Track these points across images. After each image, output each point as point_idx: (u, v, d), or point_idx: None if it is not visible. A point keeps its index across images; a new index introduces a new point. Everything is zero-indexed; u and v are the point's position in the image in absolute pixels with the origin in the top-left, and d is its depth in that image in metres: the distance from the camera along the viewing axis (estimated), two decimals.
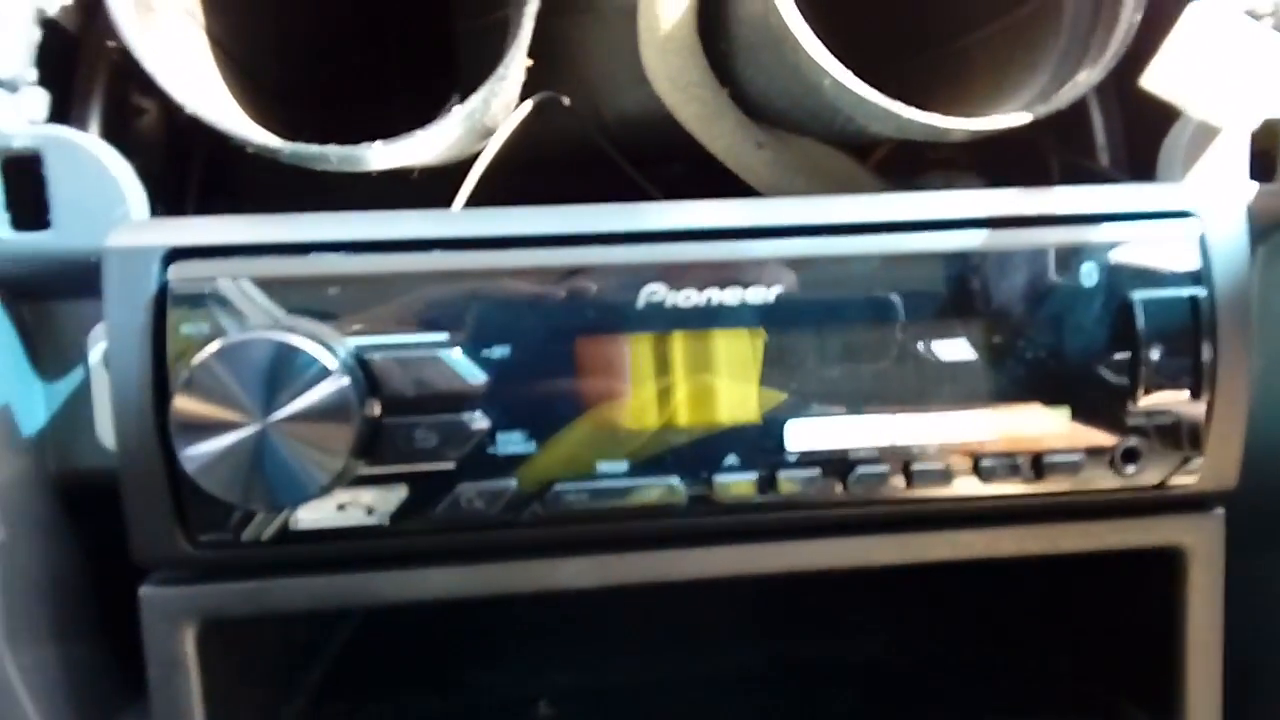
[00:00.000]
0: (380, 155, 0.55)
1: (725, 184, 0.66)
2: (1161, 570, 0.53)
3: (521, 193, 0.53)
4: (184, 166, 0.70)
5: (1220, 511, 0.52)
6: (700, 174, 0.68)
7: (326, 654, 0.66)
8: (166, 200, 0.61)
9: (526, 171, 0.64)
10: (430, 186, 0.60)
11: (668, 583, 0.51)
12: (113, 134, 0.56)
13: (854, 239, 0.48)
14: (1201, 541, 0.52)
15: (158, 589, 0.48)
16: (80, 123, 0.55)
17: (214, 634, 0.49)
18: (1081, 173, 0.66)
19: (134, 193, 0.51)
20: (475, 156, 0.62)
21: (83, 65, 0.57)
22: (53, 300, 0.54)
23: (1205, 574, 0.52)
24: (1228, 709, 0.54)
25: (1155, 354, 0.48)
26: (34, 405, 0.54)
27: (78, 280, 0.51)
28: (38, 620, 0.52)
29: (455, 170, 0.62)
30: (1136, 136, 0.68)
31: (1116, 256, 0.49)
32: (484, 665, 0.67)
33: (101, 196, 0.50)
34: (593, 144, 0.73)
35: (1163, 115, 0.55)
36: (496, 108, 0.60)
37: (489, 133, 0.62)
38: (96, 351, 0.54)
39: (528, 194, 0.51)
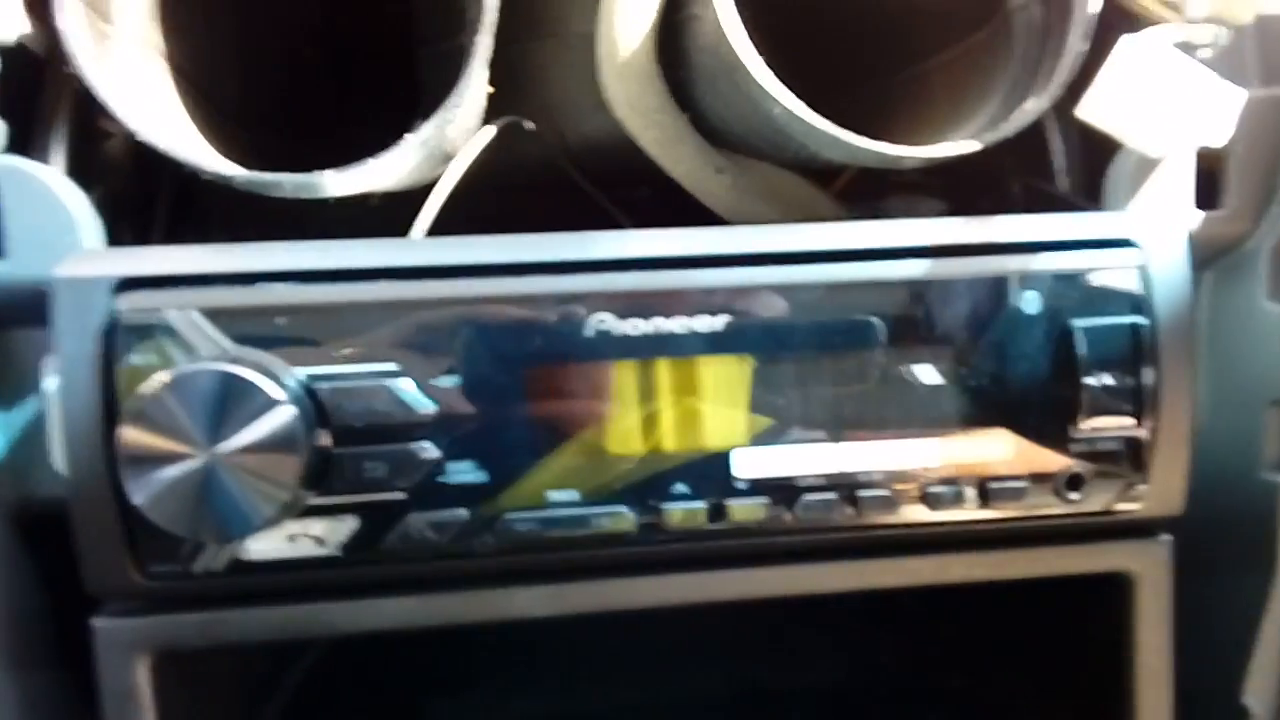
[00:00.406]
0: (336, 183, 0.55)
1: (690, 208, 0.66)
2: (1110, 596, 0.53)
3: (486, 218, 0.53)
4: (151, 195, 0.70)
5: (1167, 537, 0.53)
6: (666, 198, 0.68)
7: (287, 686, 0.66)
8: (133, 229, 0.62)
9: (491, 196, 0.65)
10: (394, 213, 0.60)
11: (622, 611, 0.51)
12: (76, 162, 0.56)
13: (799, 268, 0.49)
14: (1148, 567, 0.52)
15: (110, 620, 0.48)
16: (42, 151, 0.55)
17: (169, 666, 0.49)
18: (1041, 196, 0.67)
19: (87, 222, 0.51)
20: (438, 181, 0.62)
21: (47, 93, 0.57)
22: (6, 329, 0.54)
23: (1153, 600, 0.52)
24: None
25: (1097, 381, 0.48)
26: None
27: (32, 309, 0.51)
28: None
29: (419, 196, 0.62)
30: (1094, 160, 0.69)
31: (1059, 284, 0.49)
32: (447, 695, 0.67)
33: (55, 226, 0.50)
34: (558, 168, 0.74)
35: (1114, 142, 0.56)
36: (453, 133, 0.60)
37: (449, 158, 0.63)
38: (52, 379, 0.54)
39: (493, 219, 0.52)
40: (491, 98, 0.62)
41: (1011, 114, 0.56)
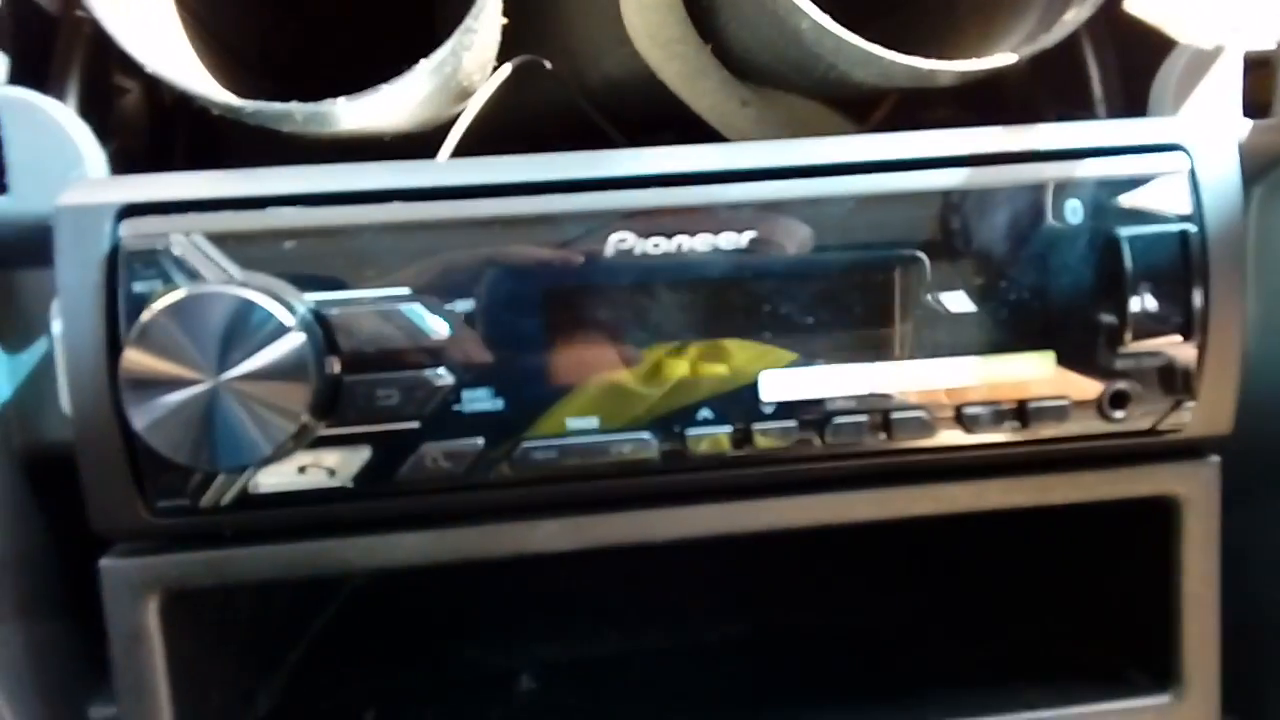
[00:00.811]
0: (348, 112, 0.53)
1: None
2: (1156, 522, 0.51)
3: None
4: (168, 148, 0.69)
5: (1215, 459, 0.50)
6: (689, 139, 0.67)
7: (305, 630, 0.65)
8: None
9: (509, 139, 0.63)
10: (409, 153, 0.59)
11: (646, 546, 0.49)
12: (91, 111, 0.55)
13: (828, 181, 0.46)
14: (1196, 490, 0.50)
15: (118, 560, 0.47)
16: (55, 93, 0.54)
17: (180, 607, 0.48)
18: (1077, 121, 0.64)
19: (92, 153, 0.50)
20: (454, 122, 0.61)
21: (60, 43, 0.56)
22: (13, 269, 0.52)
23: (1200, 524, 0.50)
24: (1227, 668, 0.52)
25: (1144, 293, 0.46)
26: None
27: (38, 247, 0.49)
28: (4, 597, 0.51)
29: (434, 138, 0.60)
30: (1133, 85, 0.67)
31: (1102, 192, 0.47)
32: (465, 639, 0.65)
33: (59, 158, 0.49)
34: (577, 110, 0.72)
35: (1157, 58, 0.54)
36: (469, 63, 0.58)
37: (465, 94, 0.61)
38: (59, 321, 0.53)
39: None
40: (508, 39, 0.61)
41: (1051, 27, 0.54)
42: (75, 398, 0.45)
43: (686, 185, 0.46)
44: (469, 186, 0.46)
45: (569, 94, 0.71)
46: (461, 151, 0.59)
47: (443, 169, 0.47)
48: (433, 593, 0.70)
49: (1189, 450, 0.50)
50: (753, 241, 0.46)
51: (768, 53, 0.61)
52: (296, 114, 0.52)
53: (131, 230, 0.44)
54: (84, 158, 0.50)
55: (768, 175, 0.46)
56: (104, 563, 0.47)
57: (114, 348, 0.44)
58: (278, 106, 0.52)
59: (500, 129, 0.62)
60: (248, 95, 0.56)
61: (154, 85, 0.67)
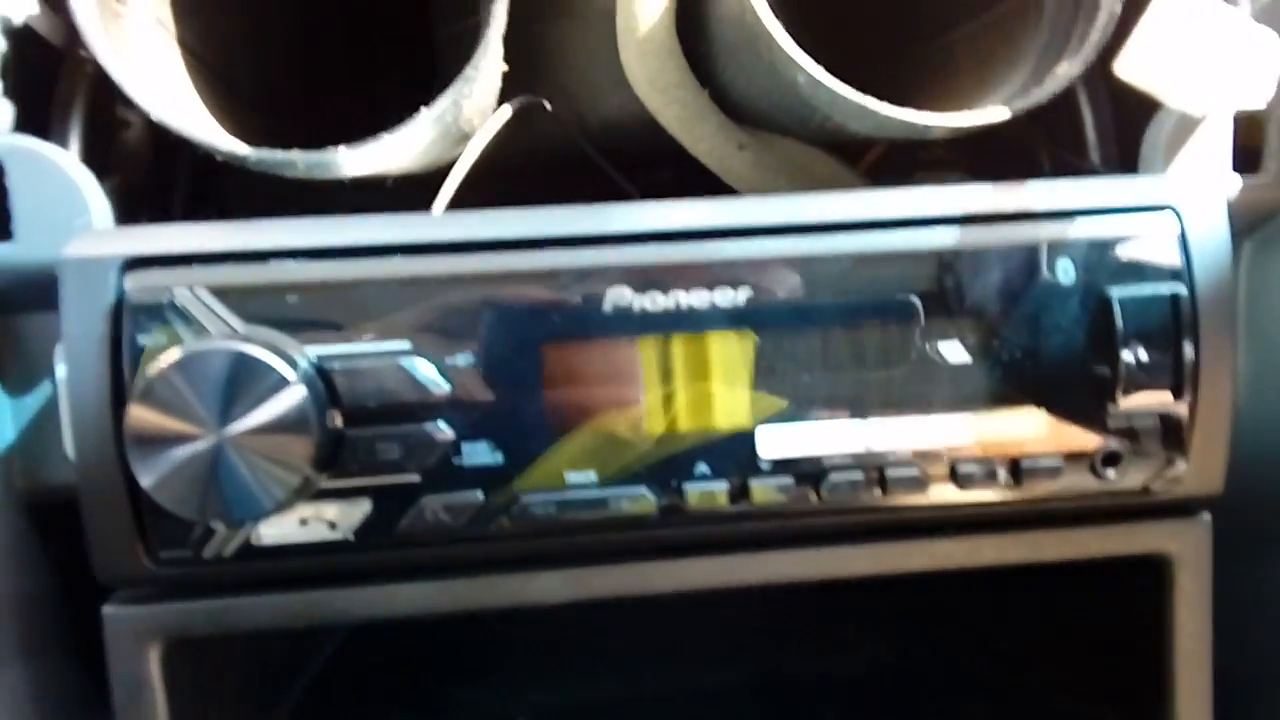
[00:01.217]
0: (350, 160, 0.54)
1: (712, 188, 0.65)
2: (1148, 579, 0.52)
3: (504, 202, 0.52)
4: (169, 185, 0.69)
5: (1206, 517, 0.51)
6: (687, 179, 0.67)
7: (303, 675, 0.65)
8: (151, 219, 0.61)
9: (509, 179, 0.64)
10: (411, 196, 0.59)
11: (643, 596, 0.50)
12: (93, 148, 0.55)
13: (824, 238, 0.47)
14: (1187, 548, 0.51)
15: (121, 608, 0.48)
16: (60, 137, 0.55)
17: (181, 654, 0.48)
18: (1072, 170, 0.65)
19: (97, 202, 0.50)
20: (454, 164, 0.61)
21: (64, 79, 0.56)
22: (17, 313, 0.53)
23: (1192, 581, 0.51)
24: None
25: (1135, 353, 0.46)
26: (1, 421, 0.53)
27: (42, 292, 0.50)
28: (6, 639, 0.52)
29: (436, 179, 0.61)
30: (1127, 132, 0.67)
31: (1094, 252, 0.47)
32: (464, 683, 0.66)
33: (64, 206, 0.50)
34: (576, 149, 0.72)
35: (1150, 108, 0.54)
36: (469, 110, 0.59)
37: (465, 138, 0.62)
38: (63, 365, 0.53)
39: (511, 201, 0.51)
40: (509, 80, 0.61)
41: (1043, 80, 0.55)
42: (79, 447, 0.45)
43: (684, 241, 0.47)
44: (469, 242, 0.46)
45: (569, 134, 0.71)
46: (464, 191, 0.60)
47: (443, 223, 0.47)
48: (429, 636, 0.70)
49: (1180, 508, 0.50)
50: (749, 298, 0.46)
51: (764, 100, 0.62)
52: (299, 162, 0.53)
53: (136, 283, 0.45)
54: (89, 206, 0.50)
55: (764, 232, 0.47)
56: (107, 610, 0.48)
57: (118, 398, 0.45)
58: (280, 155, 0.52)
59: (501, 168, 0.63)
60: (249, 133, 0.56)
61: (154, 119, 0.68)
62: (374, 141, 0.54)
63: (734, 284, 0.46)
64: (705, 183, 0.66)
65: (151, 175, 0.65)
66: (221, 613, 0.48)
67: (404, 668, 0.68)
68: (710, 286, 0.46)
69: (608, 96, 0.70)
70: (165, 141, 0.68)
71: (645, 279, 0.46)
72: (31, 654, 0.53)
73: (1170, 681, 0.52)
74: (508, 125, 0.63)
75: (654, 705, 0.62)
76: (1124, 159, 0.67)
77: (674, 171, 0.78)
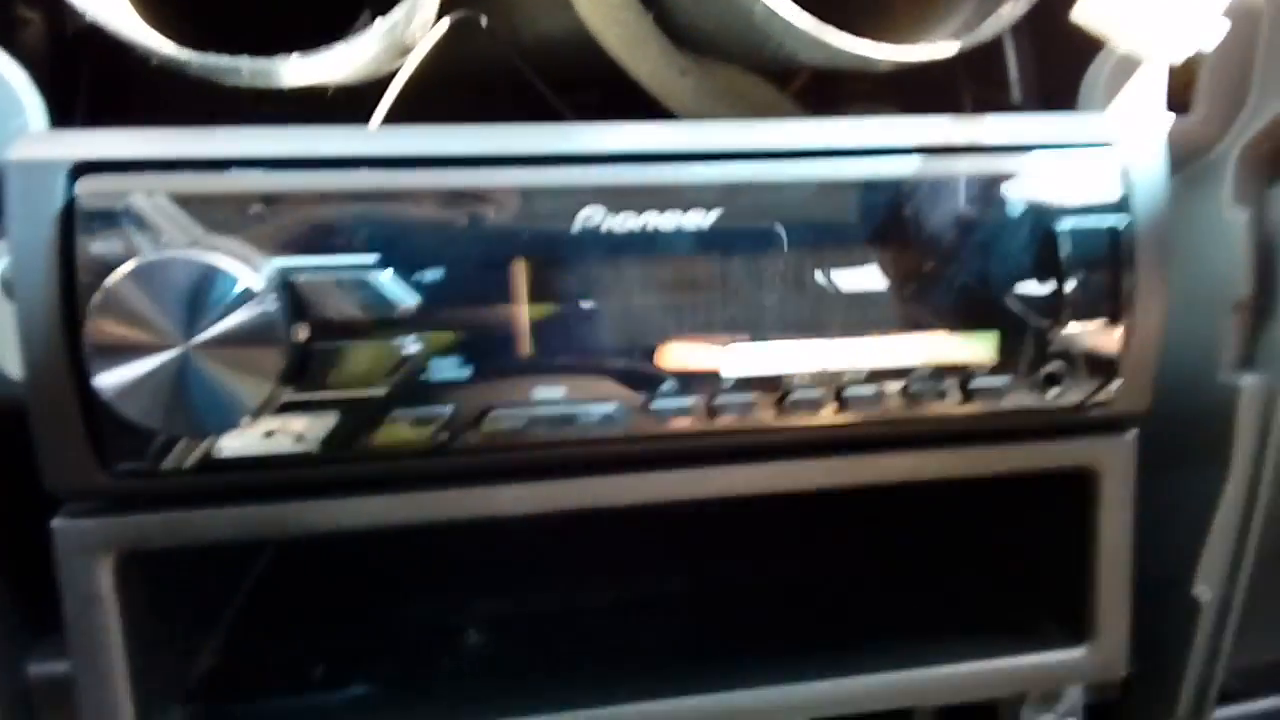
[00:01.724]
0: (295, 70, 0.52)
1: (644, 110, 0.65)
2: (1075, 490, 0.55)
3: (435, 116, 0.51)
4: (71, 84, 0.66)
5: (1133, 433, 0.54)
6: (619, 100, 0.67)
7: (244, 587, 0.65)
8: (54, 120, 0.58)
9: (441, 94, 0.62)
10: (341, 107, 0.58)
11: (604, 509, 0.51)
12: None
13: (788, 164, 0.48)
14: (1115, 462, 0.54)
15: (72, 521, 0.46)
16: None
17: (132, 566, 0.48)
18: (995, 108, 0.67)
19: (32, 103, 0.48)
20: (390, 76, 0.60)
21: None
22: None
23: (1118, 493, 0.54)
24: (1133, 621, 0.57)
25: (1078, 281, 0.49)
26: None
27: None
28: None
29: (367, 91, 0.59)
30: (1047, 73, 0.70)
31: (1041, 185, 0.49)
32: (407, 597, 0.66)
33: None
34: (510, 67, 0.71)
35: (1075, 51, 0.56)
36: (417, 23, 0.57)
37: (406, 50, 0.60)
38: None
39: (442, 117, 0.50)
40: None
41: (984, 19, 0.56)
42: (28, 359, 0.44)
43: (655, 164, 0.47)
44: (442, 157, 0.46)
45: (503, 51, 0.70)
46: (397, 106, 0.59)
47: (417, 136, 0.46)
48: (371, 551, 0.70)
49: (1111, 425, 0.54)
50: (717, 220, 0.47)
51: (711, 24, 0.62)
52: (243, 69, 0.51)
53: (88, 188, 0.43)
54: (24, 106, 0.48)
55: (734, 157, 0.48)
56: (57, 524, 0.46)
57: (70, 308, 0.43)
58: (225, 61, 0.50)
59: (431, 81, 0.62)
60: (161, 28, 0.54)
61: (56, 17, 0.64)
62: (323, 51, 0.52)
63: (703, 206, 0.47)
64: (638, 103, 0.66)
65: (50, 82, 0.62)
66: (179, 525, 0.47)
67: (343, 582, 0.68)
68: (681, 208, 0.47)
69: (547, 15, 0.69)
70: (66, 39, 0.65)
71: (617, 199, 0.46)
72: None
73: (1094, 584, 0.55)
74: (444, 39, 0.62)
75: (596, 615, 0.64)
76: (1042, 96, 0.70)
77: (603, 93, 0.77)
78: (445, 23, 0.62)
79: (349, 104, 0.58)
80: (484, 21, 0.66)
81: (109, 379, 0.41)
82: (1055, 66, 0.68)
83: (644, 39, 0.65)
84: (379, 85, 0.59)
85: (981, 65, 0.69)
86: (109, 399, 0.41)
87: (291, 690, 0.56)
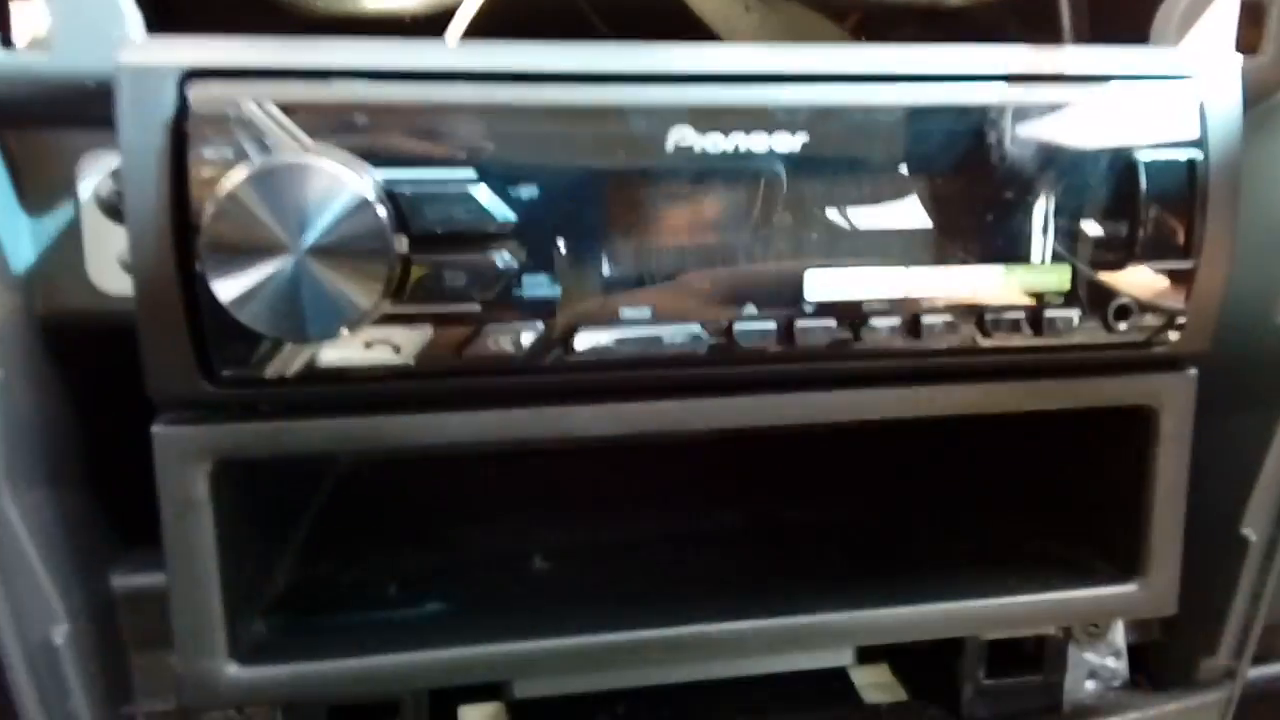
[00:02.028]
0: None
1: None
2: (1134, 428, 0.56)
3: None
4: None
5: (1194, 371, 0.55)
6: (681, 38, 0.67)
7: (319, 506, 0.66)
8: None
9: (500, 32, 0.63)
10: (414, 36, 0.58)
11: (674, 434, 0.52)
12: None
13: (878, 87, 0.49)
14: (1175, 399, 0.55)
15: (172, 428, 0.47)
16: None
17: (224, 476, 0.48)
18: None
19: (131, 11, 0.48)
20: (451, 11, 0.61)
21: None
22: (40, 128, 0.51)
23: (1176, 430, 0.55)
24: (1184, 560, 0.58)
25: (1153, 214, 0.50)
26: (20, 241, 0.51)
27: (69, 107, 0.48)
28: (33, 461, 0.51)
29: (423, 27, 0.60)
30: (1098, 18, 0.71)
31: (1121, 117, 0.50)
32: (475, 526, 0.67)
33: (100, 16, 0.48)
34: (570, 7, 0.72)
35: None
36: None
37: None
38: (87, 185, 0.52)
39: None
40: None
41: None
42: (139, 264, 0.44)
43: (744, 84, 0.48)
44: (540, 73, 0.46)
45: None
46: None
47: (518, 53, 0.47)
48: (440, 478, 0.71)
49: (1172, 362, 0.55)
50: (804, 143, 0.48)
51: None
52: None
53: (200, 94, 0.44)
54: (125, 17, 0.48)
55: (824, 79, 0.48)
56: (156, 429, 0.47)
57: (181, 213, 0.44)
58: None
59: (488, 25, 0.62)
60: None
61: None
62: None
63: (792, 129, 0.48)
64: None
65: None
66: (277, 435, 0.48)
67: (408, 510, 0.70)
68: (769, 130, 0.48)
69: None
70: None
71: (706, 120, 0.47)
72: (57, 479, 0.53)
73: (1148, 523, 0.57)
74: None
75: (658, 545, 0.65)
76: (1095, 41, 0.71)
77: (664, 31, 0.78)
78: None
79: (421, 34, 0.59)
80: None
81: (226, 285, 0.42)
82: (1106, 11, 0.68)
83: None
84: (447, 22, 0.60)
85: (1032, 10, 0.70)
86: (226, 304, 0.42)
87: (367, 606, 0.57)
